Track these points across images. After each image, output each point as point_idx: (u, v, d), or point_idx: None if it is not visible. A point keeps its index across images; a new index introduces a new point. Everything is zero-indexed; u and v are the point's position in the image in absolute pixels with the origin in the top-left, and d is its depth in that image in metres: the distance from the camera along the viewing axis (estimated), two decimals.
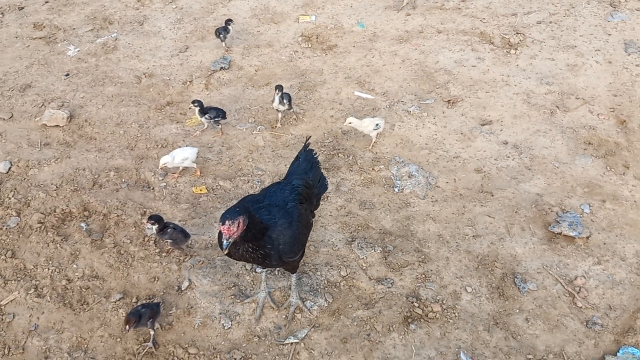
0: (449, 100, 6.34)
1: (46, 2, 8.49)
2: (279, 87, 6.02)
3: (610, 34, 6.93)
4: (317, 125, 6.22)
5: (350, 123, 5.78)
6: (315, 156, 4.45)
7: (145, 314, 4.16)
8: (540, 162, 5.63)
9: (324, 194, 4.66)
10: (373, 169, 5.65)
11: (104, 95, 6.80)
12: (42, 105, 6.68)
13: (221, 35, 7.19)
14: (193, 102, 6.11)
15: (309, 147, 4.45)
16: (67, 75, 7.16)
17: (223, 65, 7.05)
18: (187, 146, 5.83)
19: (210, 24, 7.83)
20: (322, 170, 4.66)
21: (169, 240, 4.84)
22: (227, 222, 3.44)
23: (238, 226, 3.47)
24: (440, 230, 5.08)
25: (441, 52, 7.02)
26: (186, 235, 4.87)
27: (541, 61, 6.74)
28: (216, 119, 6.07)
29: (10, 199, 5.55)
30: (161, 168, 5.60)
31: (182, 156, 5.58)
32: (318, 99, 6.55)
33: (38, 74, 7.18)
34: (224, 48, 7.31)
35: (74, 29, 7.95)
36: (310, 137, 4.60)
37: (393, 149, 5.88)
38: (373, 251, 4.87)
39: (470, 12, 7.56)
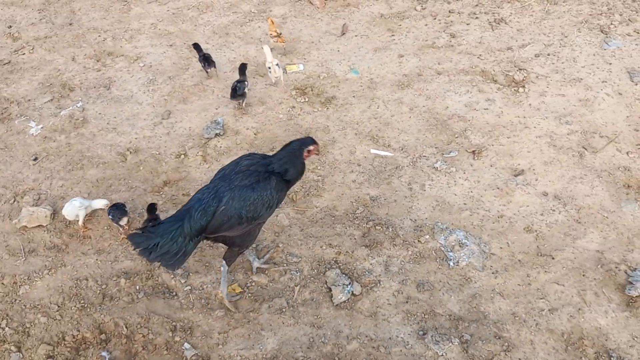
0: (473, 151, 5.97)
1: None
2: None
3: (610, 63, 6.82)
4: (342, 193, 5.66)
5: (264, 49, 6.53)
6: None
7: None
8: (587, 213, 5.36)
9: None
10: (419, 240, 5.16)
11: (86, 180, 5.91)
12: (14, 200, 5.72)
13: (245, 91, 6.42)
14: None
15: None
16: (35, 159, 6.18)
17: (217, 132, 6.31)
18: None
19: (188, 82, 7.05)
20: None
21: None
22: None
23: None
24: (512, 307, 4.66)
25: (447, 95, 6.64)
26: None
27: (552, 98, 6.52)
28: (117, 218, 5.19)
29: (3, 329, 4.62)
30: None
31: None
32: (333, 162, 5.99)
33: None
34: (240, 108, 6.57)
35: (29, 100, 6.94)
36: None
37: (431, 213, 5.42)
38: (450, 344, 4.39)
39: (464, 48, 7.25)
